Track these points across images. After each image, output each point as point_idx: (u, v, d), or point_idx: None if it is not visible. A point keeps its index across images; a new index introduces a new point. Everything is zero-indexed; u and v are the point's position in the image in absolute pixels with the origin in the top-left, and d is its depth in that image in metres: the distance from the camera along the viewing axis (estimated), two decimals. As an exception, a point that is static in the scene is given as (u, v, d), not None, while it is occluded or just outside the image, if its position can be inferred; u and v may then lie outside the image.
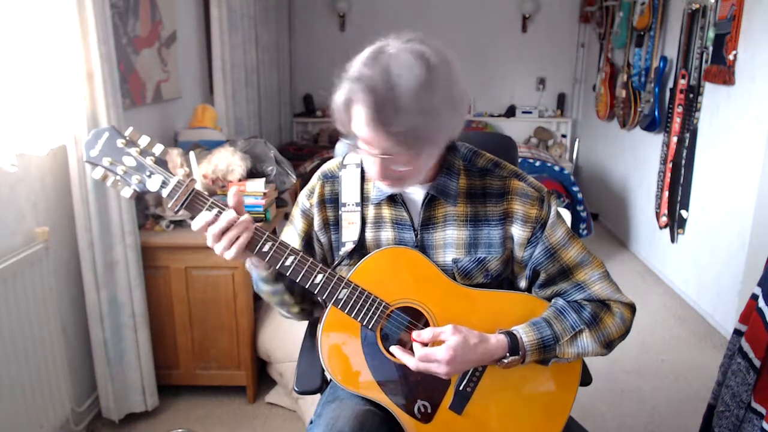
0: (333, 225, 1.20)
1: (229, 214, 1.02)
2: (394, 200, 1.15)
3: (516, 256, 1.15)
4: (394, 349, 1.06)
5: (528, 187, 1.14)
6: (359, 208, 1.16)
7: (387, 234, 1.15)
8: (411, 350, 1.06)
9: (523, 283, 1.18)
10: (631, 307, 1.15)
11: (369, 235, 1.16)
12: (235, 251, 1.02)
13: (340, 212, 1.18)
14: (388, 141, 0.95)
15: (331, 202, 1.20)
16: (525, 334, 1.07)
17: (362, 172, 1.18)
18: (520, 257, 1.15)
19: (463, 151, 1.17)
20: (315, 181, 1.22)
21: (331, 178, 1.21)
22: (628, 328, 1.14)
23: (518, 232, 1.13)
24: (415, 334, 1.04)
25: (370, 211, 1.16)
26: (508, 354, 1.05)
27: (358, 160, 1.19)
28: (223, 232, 1.02)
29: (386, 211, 1.16)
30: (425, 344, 1.04)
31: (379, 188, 1.15)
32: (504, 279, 1.17)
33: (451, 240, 1.13)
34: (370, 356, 1.10)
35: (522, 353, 1.05)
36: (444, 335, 1.03)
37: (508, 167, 1.17)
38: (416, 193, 1.14)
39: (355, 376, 1.10)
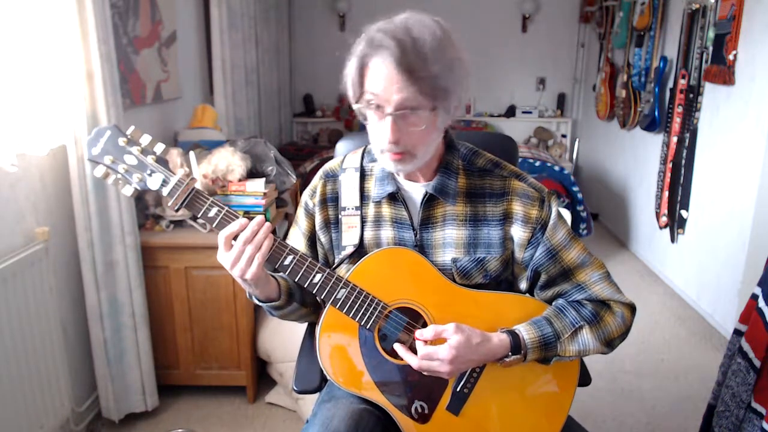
0: (333, 224, 1.20)
1: (257, 219, 1.03)
2: (394, 198, 1.15)
3: (516, 258, 1.15)
4: (396, 346, 1.06)
5: (528, 187, 1.14)
6: (359, 212, 1.16)
7: (387, 233, 1.15)
8: (411, 350, 1.06)
9: (523, 285, 1.18)
10: (631, 308, 1.15)
11: (368, 233, 1.16)
12: (257, 265, 1.01)
13: (340, 215, 1.18)
14: (410, 87, 0.96)
15: (332, 201, 1.20)
16: (526, 332, 1.07)
17: (362, 173, 1.18)
18: (521, 258, 1.14)
19: (462, 150, 1.17)
20: (317, 181, 1.23)
21: (333, 177, 1.21)
22: (628, 328, 1.14)
23: (518, 232, 1.13)
24: (418, 332, 1.04)
25: (370, 210, 1.16)
26: (510, 353, 1.05)
27: (357, 163, 1.19)
28: (252, 237, 1.01)
29: (386, 210, 1.15)
30: (427, 342, 1.04)
31: (380, 186, 1.15)
32: (503, 280, 1.17)
33: (450, 239, 1.13)
34: (367, 357, 1.10)
35: (524, 352, 1.05)
36: (446, 333, 1.02)
37: (508, 167, 1.17)
38: (416, 192, 1.14)
39: (353, 377, 1.10)
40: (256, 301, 1.15)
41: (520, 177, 1.15)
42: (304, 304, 1.20)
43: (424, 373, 1.05)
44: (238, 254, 1.01)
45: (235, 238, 1.02)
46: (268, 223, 1.03)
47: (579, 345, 1.09)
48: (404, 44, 0.95)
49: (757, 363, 1.45)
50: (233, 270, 1.02)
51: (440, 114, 1.03)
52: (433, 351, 1.01)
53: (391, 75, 0.97)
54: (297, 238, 1.24)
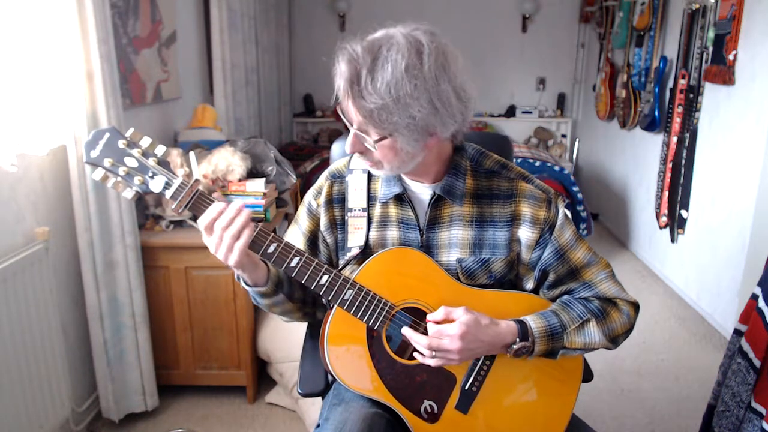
0: (339, 225, 1.20)
1: (234, 205, 1.02)
2: (401, 199, 1.15)
3: (523, 259, 1.16)
4: (405, 329, 1.07)
5: (535, 189, 1.15)
6: (365, 213, 1.16)
7: (392, 233, 1.16)
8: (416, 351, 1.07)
9: (530, 285, 1.19)
10: (635, 306, 1.17)
11: (374, 234, 1.16)
12: (238, 252, 1.00)
13: (346, 216, 1.18)
14: (357, 115, 0.98)
15: (338, 202, 1.20)
16: (533, 321, 1.08)
17: (369, 175, 1.18)
18: (528, 259, 1.15)
19: (470, 151, 1.18)
20: (323, 181, 1.22)
21: (339, 178, 1.21)
22: (632, 325, 1.16)
23: (526, 234, 1.13)
24: (429, 315, 1.06)
25: (377, 210, 1.17)
26: (518, 339, 1.06)
27: (364, 165, 1.19)
28: (229, 224, 1.00)
29: (393, 211, 1.16)
30: (438, 323, 1.05)
31: (387, 186, 1.15)
32: (507, 281, 1.18)
33: (456, 240, 1.13)
34: (375, 358, 1.10)
35: (531, 339, 1.06)
36: (456, 314, 1.04)
37: (515, 169, 1.18)
38: (423, 193, 1.15)
39: (363, 379, 1.10)
40: (243, 285, 1.14)
41: (526, 179, 1.16)
42: (291, 299, 1.18)
43: (432, 364, 1.05)
44: (218, 241, 1.01)
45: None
46: (247, 210, 1.02)
47: (585, 338, 1.10)
48: (355, 70, 0.95)
49: (757, 363, 1.45)
50: (216, 254, 1.02)
51: (401, 139, 0.99)
52: (443, 328, 1.03)
53: (342, 95, 0.99)
54: (295, 237, 1.23)
